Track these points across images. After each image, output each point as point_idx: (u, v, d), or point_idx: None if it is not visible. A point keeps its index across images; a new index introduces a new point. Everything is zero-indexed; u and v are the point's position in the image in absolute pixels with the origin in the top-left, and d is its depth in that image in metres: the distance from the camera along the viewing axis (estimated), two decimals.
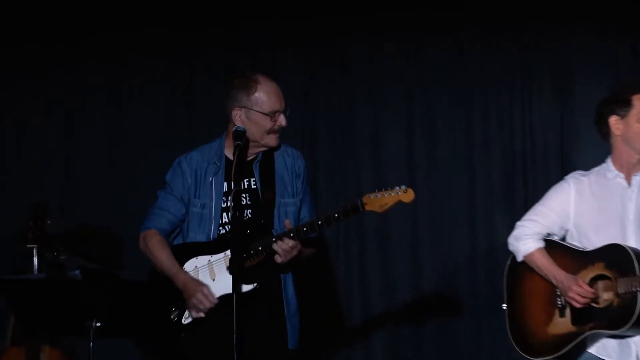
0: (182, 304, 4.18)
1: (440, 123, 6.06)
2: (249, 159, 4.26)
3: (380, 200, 3.97)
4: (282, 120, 4.19)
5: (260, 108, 4.15)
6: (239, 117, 4.16)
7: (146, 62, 6.20)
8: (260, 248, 4.08)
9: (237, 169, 3.96)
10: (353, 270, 6.13)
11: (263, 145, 4.22)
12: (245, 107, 4.15)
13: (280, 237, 4.07)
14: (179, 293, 4.19)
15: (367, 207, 4.00)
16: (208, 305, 4.06)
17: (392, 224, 6.03)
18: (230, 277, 3.91)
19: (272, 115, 4.16)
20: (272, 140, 4.22)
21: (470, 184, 6.03)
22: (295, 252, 4.07)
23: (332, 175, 6.15)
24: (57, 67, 6.19)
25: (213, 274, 4.16)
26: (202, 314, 4.09)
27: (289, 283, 4.28)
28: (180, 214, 4.26)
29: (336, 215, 4.00)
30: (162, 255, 4.20)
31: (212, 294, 4.07)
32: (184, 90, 6.20)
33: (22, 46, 6.08)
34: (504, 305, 4.54)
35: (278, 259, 4.06)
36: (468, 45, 5.99)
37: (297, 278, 4.31)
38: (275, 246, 4.05)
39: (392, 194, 3.99)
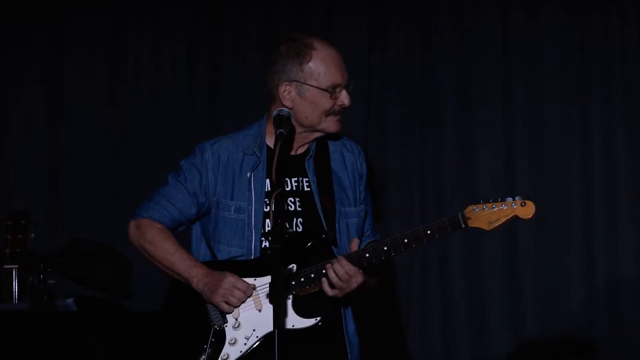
0: (217, 342, 3.75)
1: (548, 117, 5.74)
2: (298, 152, 3.89)
3: (489, 216, 3.63)
4: (344, 97, 3.82)
5: (316, 82, 3.78)
6: (288, 95, 3.80)
7: (145, 59, 6.07)
8: (324, 271, 3.72)
9: (280, 163, 3.58)
10: (432, 307, 5.77)
11: (320, 131, 3.87)
12: (296, 80, 3.79)
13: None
14: (209, 328, 3.77)
15: (470, 224, 3.66)
16: (240, 295, 3.70)
17: (483, 245, 5.67)
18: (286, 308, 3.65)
19: (332, 91, 3.79)
20: (331, 124, 3.84)
21: (587, 195, 5.65)
22: (353, 285, 3.68)
23: (405, 180, 5.81)
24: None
25: (259, 304, 3.76)
26: (234, 309, 3.72)
27: (349, 319, 3.90)
28: (188, 214, 3.90)
29: (429, 232, 3.65)
30: (170, 247, 3.81)
31: (245, 282, 3.72)
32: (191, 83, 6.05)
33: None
34: None
35: (329, 292, 3.68)
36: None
37: (357, 313, 3.92)
38: (330, 273, 3.67)
39: (505, 207, 3.62)
